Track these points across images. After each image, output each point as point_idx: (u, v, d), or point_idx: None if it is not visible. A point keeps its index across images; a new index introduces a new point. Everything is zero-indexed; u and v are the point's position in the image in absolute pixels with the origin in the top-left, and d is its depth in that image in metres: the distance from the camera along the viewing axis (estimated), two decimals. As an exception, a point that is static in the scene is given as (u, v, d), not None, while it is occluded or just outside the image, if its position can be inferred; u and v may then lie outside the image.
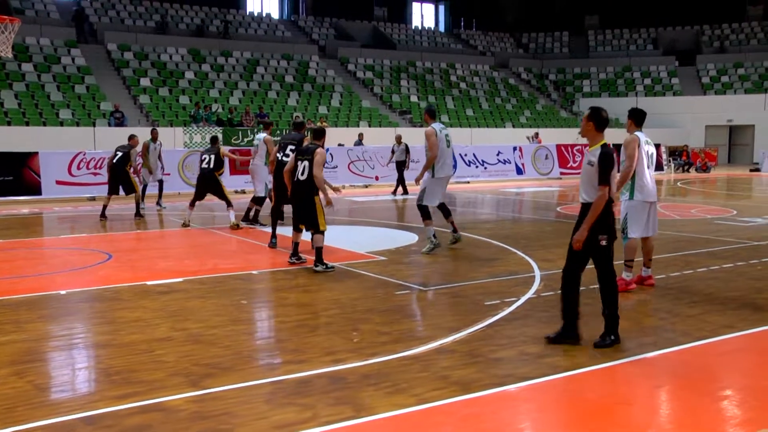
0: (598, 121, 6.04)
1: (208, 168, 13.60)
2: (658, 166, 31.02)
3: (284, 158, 10.49)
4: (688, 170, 32.96)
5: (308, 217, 9.39)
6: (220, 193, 13.80)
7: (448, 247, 11.15)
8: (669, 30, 45.33)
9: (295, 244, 9.73)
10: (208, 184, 13.68)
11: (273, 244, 11.07)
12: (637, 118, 8.15)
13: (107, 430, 4.42)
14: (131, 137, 15.54)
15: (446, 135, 10.83)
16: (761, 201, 19.76)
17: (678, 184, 26.50)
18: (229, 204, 13.71)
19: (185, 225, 13.68)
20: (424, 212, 10.66)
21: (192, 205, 13.92)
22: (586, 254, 6.02)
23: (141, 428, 4.44)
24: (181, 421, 4.54)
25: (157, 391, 5.03)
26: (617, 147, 7.52)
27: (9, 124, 23.29)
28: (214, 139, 14.76)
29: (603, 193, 5.87)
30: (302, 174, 9.33)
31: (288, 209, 10.54)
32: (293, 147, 10.40)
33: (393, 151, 21.64)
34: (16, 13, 28.62)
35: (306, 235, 9.70)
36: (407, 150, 21.50)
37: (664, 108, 38.94)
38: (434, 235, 10.65)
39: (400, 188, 21.32)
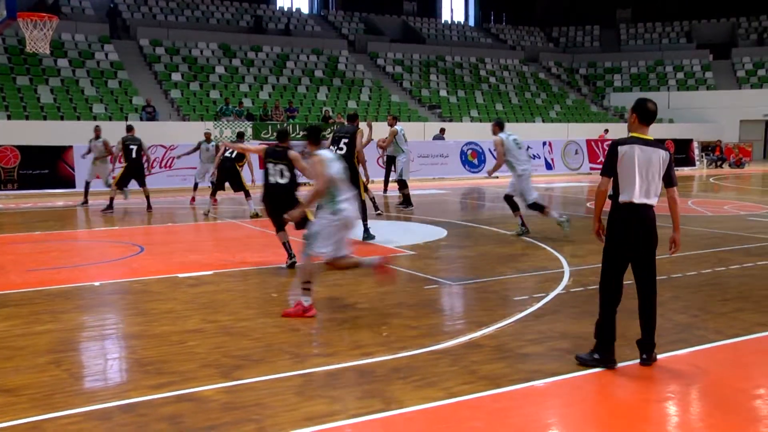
0: (642, 112, 5.45)
1: (229, 158, 14.36)
2: (690, 162, 30.70)
3: (339, 152, 10.49)
4: (721, 166, 32.50)
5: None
6: (239, 184, 14.38)
7: (477, 243, 11.19)
8: (704, 23, 44.67)
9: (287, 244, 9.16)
10: (228, 174, 14.43)
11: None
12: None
13: (142, 419, 4.50)
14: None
15: (514, 139, 11.98)
16: (796, 197, 19.44)
17: (711, 180, 26.13)
18: (247, 195, 14.22)
19: (206, 215, 14.56)
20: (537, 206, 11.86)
21: (213, 195, 15.05)
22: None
23: (174, 417, 4.52)
24: (213, 411, 4.61)
25: (189, 382, 5.11)
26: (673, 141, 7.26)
27: (45, 118, 23.69)
28: (240, 135, 15.92)
29: (598, 184, 5.55)
30: (281, 177, 8.70)
31: None
32: (346, 140, 10.80)
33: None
34: (52, 10, 29.03)
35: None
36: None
37: (697, 102, 38.42)
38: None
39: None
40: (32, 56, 25.99)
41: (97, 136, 16.57)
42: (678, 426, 4.61)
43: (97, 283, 8.37)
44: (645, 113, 5.47)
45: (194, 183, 17.39)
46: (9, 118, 23.13)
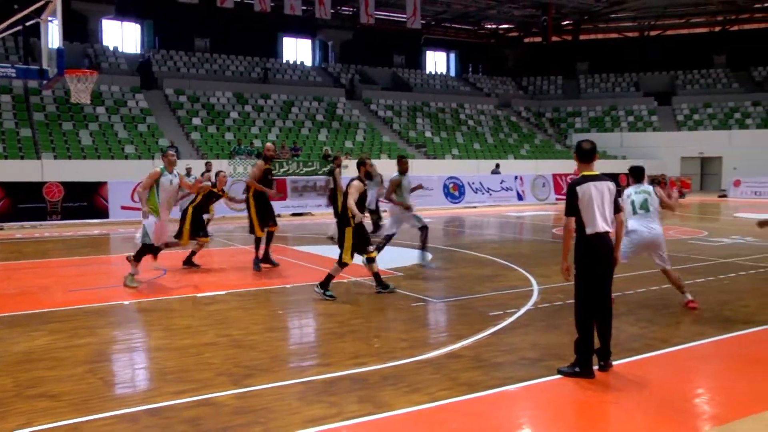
0: (578, 152, 5.58)
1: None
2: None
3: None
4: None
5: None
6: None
7: (458, 265, 11.18)
8: (649, 75, 45.21)
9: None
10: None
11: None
12: (635, 176, 8.12)
13: (166, 422, 4.50)
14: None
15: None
16: (728, 224, 19.56)
17: (658, 208, 26.21)
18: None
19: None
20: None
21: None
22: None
23: (194, 420, 4.51)
24: (227, 415, 4.61)
25: (206, 389, 5.11)
26: (611, 176, 7.07)
27: (84, 158, 23.73)
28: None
29: (564, 224, 5.47)
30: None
31: None
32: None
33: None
34: (94, 66, 29.23)
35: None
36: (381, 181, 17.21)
37: (645, 142, 38.80)
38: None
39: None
40: (75, 105, 26.10)
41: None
42: (630, 422, 4.63)
43: (126, 302, 8.36)
44: (582, 153, 5.58)
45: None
46: (55, 158, 23.17)
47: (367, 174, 8.69)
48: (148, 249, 9.38)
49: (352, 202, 8.36)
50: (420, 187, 12.55)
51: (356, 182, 8.55)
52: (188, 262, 11.08)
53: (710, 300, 8.32)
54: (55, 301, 8.41)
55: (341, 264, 8.46)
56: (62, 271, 10.95)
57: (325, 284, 8.41)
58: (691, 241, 14.49)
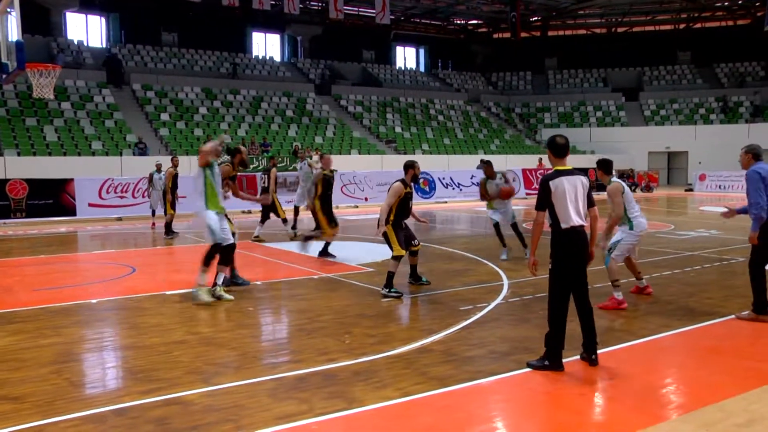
0: (552, 147, 5.53)
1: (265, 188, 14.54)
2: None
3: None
4: (634, 190, 33.20)
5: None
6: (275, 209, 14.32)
7: (428, 260, 11.20)
8: (616, 70, 45.80)
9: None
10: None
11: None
12: (605, 168, 7.78)
13: (133, 422, 4.43)
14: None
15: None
16: (694, 217, 19.95)
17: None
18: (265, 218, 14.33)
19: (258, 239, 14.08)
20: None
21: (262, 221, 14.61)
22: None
23: (162, 419, 4.46)
24: (196, 413, 4.56)
25: (175, 387, 5.05)
26: (581, 170, 6.84)
27: (50, 154, 23.24)
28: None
29: (534, 218, 5.49)
30: None
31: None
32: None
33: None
34: (57, 60, 28.60)
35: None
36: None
37: (614, 137, 39.34)
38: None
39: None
40: (39, 101, 25.55)
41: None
42: (598, 414, 4.69)
43: (94, 301, 8.22)
44: (555, 148, 5.53)
45: (152, 211, 17.67)
46: (19, 154, 22.64)
47: (414, 177, 8.58)
48: (217, 250, 8.11)
49: (385, 206, 8.37)
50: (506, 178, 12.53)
51: (396, 185, 8.45)
52: (324, 254, 11.43)
53: (676, 292, 8.47)
54: (19, 301, 8.23)
55: (395, 258, 8.41)
56: (26, 270, 10.72)
57: (388, 284, 8.34)
58: (658, 234, 14.74)
